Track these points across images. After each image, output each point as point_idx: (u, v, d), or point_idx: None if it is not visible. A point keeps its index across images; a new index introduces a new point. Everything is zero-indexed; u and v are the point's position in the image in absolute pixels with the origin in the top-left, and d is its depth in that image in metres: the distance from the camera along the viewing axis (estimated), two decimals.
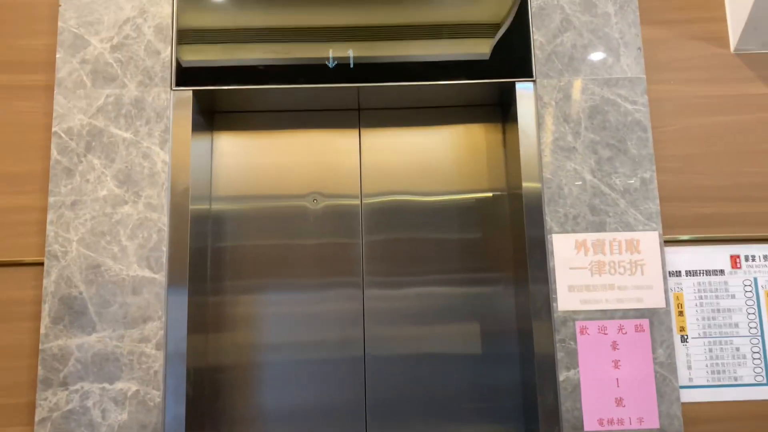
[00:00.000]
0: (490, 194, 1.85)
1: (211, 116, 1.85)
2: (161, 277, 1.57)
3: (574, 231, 1.64)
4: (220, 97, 1.74)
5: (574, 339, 1.58)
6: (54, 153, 1.61)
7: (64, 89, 1.64)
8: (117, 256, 1.57)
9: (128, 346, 1.53)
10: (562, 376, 1.56)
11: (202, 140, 1.77)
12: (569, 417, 1.55)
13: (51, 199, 1.59)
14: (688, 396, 1.60)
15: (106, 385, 1.51)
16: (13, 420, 1.52)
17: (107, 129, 1.63)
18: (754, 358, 1.62)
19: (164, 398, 1.51)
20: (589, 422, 1.54)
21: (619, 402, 1.55)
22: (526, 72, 1.71)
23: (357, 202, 1.83)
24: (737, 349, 1.63)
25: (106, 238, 1.58)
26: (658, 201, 1.66)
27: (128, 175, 1.61)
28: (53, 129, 1.62)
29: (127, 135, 1.63)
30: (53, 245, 1.57)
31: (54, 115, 1.63)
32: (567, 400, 1.55)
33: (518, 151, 1.68)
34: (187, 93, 1.66)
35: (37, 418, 1.49)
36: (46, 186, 1.61)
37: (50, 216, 1.58)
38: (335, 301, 1.78)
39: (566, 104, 1.70)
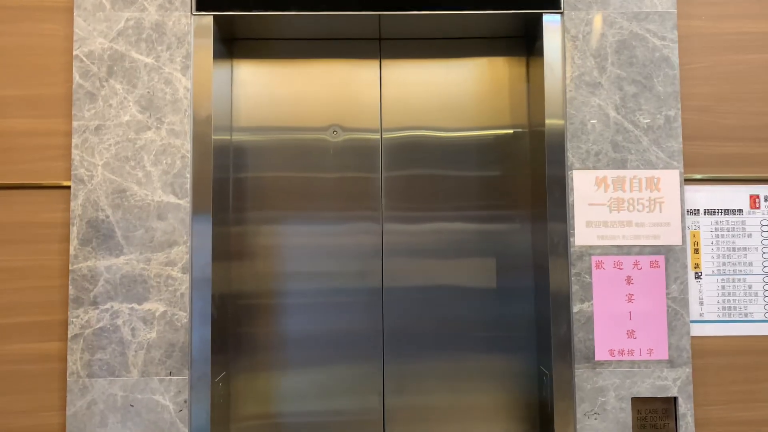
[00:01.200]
0: (510, 131, 1.84)
1: (231, 43, 1.82)
2: (185, 203, 1.59)
3: (595, 167, 1.64)
4: (240, 23, 1.71)
5: (590, 273, 1.61)
6: (76, 77, 1.60)
7: (83, 11, 1.62)
8: (141, 181, 1.59)
9: (155, 269, 1.57)
10: (576, 308, 1.61)
11: (223, 68, 1.75)
12: (581, 347, 1.60)
13: (75, 124, 1.59)
14: (698, 330, 1.64)
15: (135, 305, 1.56)
16: (48, 336, 1.58)
17: (128, 53, 1.62)
18: (766, 296, 1.66)
19: (191, 319, 1.57)
20: (600, 352, 1.60)
21: (630, 334, 1.60)
22: (554, 3, 1.66)
23: (377, 136, 1.83)
24: (750, 287, 1.66)
25: (131, 163, 1.59)
26: (681, 139, 1.65)
27: (150, 101, 1.61)
28: (74, 52, 1.61)
29: (149, 60, 1.62)
30: (79, 169, 1.58)
31: (74, 38, 1.61)
32: (580, 331, 1.60)
33: (542, 85, 1.66)
34: (207, 18, 1.63)
35: (70, 335, 1.55)
36: (69, 110, 1.61)
37: (75, 140, 1.59)
38: (355, 234, 1.81)
39: (593, 38, 1.66)
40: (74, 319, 1.55)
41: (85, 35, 1.61)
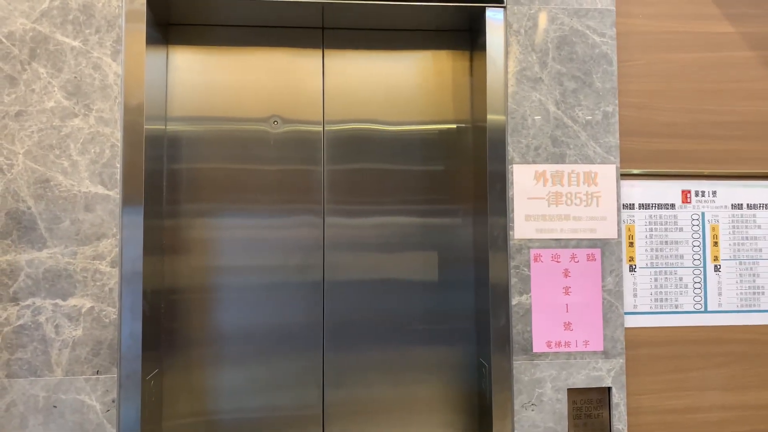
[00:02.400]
0: (454, 126, 1.83)
1: (166, 28, 1.75)
2: (115, 194, 1.52)
3: (534, 162, 1.65)
4: (176, 7, 1.65)
5: (528, 266, 1.63)
6: None
7: None
8: (67, 170, 1.51)
9: (81, 263, 1.50)
10: (514, 300, 1.62)
11: (157, 54, 1.68)
12: (519, 339, 1.61)
13: None
14: (631, 321, 1.68)
15: (59, 302, 1.49)
16: None
17: (53, 36, 1.53)
18: (695, 288, 1.71)
19: (120, 315, 1.50)
20: (538, 344, 1.62)
21: (567, 326, 1.62)
22: None
23: (319, 128, 1.79)
24: (680, 279, 1.71)
25: (55, 151, 1.51)
26: (618, 135, 1.68)
27: (78, 87, 1.53)
28: None
29: (76, 43, 1.54)
30: None
31: None
32: (518, 323, 1.62)
33: (485, 79, 1.66)
34: (140, 1, 1.56)
35: None
36: None
37: None
38: (295, 228, 1.77)
39: (535, 33, 1.68)
40: None
41: (5, 15, 1.52)
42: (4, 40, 1.51)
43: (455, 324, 1.78)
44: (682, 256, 1.71)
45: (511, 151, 1.65)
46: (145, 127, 1.55)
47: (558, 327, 1.62)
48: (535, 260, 1.63)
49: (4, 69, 1.51)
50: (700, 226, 1.72)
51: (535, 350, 1.62)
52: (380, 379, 1.75)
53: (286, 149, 1.78)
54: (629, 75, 1.73)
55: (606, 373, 1.63)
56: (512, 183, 1.64)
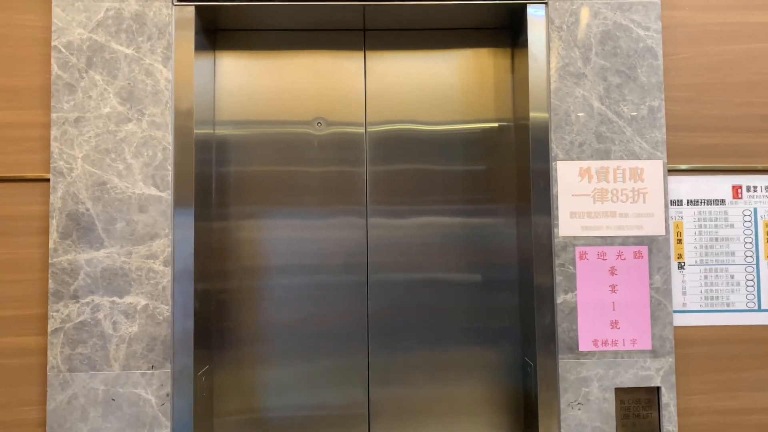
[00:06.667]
0: (496, 124, 1.83)
1: (213, 34, 1.80)
2: (167, 195, 1.58)
3: (579, 158, 1.64)
4: (223, 14, 1.69)
5: (573, 264, 1.62)
6: (54, 68, 1.58)
7: (61, 1, 1.59)
8: (122, 173, 1.57)
9: (136, 262, 1.56)
10: (559, 299, 1.61)
11: (205, 59, 1.73)
12: (565, 338, 1.60)
13: (54, 116, 1.57)
14: (680, 320, 1.65)
15: (116, 299, 1.55)
16: (28, 330, 1.56)
17: (108, 44, 1.60)
18: (748, 286, 1.67)
19: (173, 312, 1.56)
20: (584, 342, 1.60)
21: (614, 324, 1.60)
22: None
23: (362, 129, 1.82)
24: (732, 277, 1.67)
25: (111, 155, 1.58)
26: (664, 130, 1.65)
27: (131, 93, 1.59)
28: (53, 43, 1.58)
29: (129, 51, 1.60)
30: (58, 162, 1.56)
31: (53, 28, 1.59)
32: (563, 322, 1.60)
33: (527, 76, 1.66)
34: (189, 8, 1.62)
35: (50, 329, 1.53)
36: (48, 101, 1.59)
37: (54, 132, 1.57)
38: (339, 229, 1.79)
39: (578, 28, 1.66)
40: (54, 313, 1.54)
41: (64, 25, 1.59)
42: (63, 49, 1.58)
43: (499, 323, 1.78)
44: (733, 253, 1.67)
45: (555, 147, 1.64)
46: (194, 130, 1.60)
47: (605, 325, 1.60)
48: (581, 258, 1.61)
49: (63, 77, 1.58)
50: (752, 222, 1.68)
51: (581, 349, 1.60)
52: (425, 379, 1.76)
53: (329, 151, 1.81)
54: (676, 68, 1.70)
55: (655, 373, 1.60)
56: (556, 180, 1.63)
